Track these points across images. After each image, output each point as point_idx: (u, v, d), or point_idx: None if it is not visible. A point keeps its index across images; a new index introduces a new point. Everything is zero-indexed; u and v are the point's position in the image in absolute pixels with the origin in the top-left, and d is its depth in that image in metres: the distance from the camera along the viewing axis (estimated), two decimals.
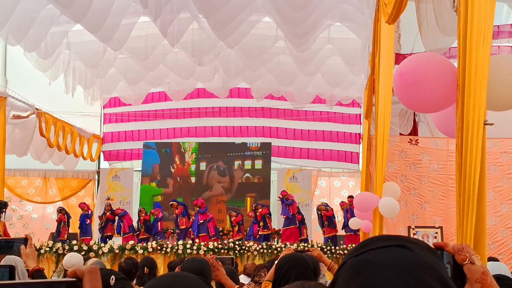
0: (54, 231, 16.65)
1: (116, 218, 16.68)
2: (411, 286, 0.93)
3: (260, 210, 15.93)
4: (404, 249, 0.99)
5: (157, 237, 15.86)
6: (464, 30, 2.95)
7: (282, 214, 15.95)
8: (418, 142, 11.35)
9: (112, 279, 2.84)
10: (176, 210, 16.48)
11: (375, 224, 7.76)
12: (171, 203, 17.04)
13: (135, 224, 16.68)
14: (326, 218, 15.68)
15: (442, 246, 1.34)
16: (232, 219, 16.57)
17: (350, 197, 15.65)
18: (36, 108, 15.18)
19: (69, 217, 16.74)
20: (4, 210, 9.20)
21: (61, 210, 16.92)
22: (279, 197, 16.22)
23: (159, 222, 16.43)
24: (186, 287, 1.36)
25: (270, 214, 16.15)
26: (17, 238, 3.33)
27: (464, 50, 2.94)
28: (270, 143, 19.36)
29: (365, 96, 11.95)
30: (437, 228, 10.44)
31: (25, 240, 3.20)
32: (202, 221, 15.93)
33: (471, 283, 1.31)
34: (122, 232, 16.36)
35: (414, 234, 10.27)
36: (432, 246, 1.32)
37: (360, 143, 18.53)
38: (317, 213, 16.16)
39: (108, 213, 16.58)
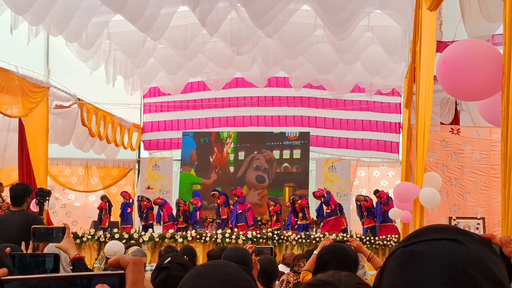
0: (96, 219, 16.95)
1: (156, 207, 16.88)
2: (456, 281, 0.91)
3: (299, 201, 15.91)
4: (456, 243, 0.96)
5: (196, 226, 15.99)
6: (510, 16, 2.86)
7: (319, 212, 15.96)
8: (459, 132, 11.14)
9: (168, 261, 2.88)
10: (218, 200, 16.56)
11: (416, 215, 7.66)
12: (212, 193, 17.12)
13: (174, 213, 16.85)
14: (365, 208, 15.58)
15: (489, 238, 1.31)
16: (270, 209, 16.59)
17: (376, 191, 15.56)
18: (78, 98, 15.42)
19: (110, 205, 17.01)
20: (47, 198, 9.36)
21: (103, 198, 17.24)
22: (316, 198, 16.14)
23: (198, 212, 16.56)
24: (227, 276, 1.35)
25: (308, 204, 16.12)
26: (56, 226, 3.39)
27: (510, 37, 2.86)
28: (309, 132, 19.29)
29: (405, 85, 11.78)
30: (479, 219, 10.26)
31: (63, 229, 3.24)
32: (240, 211, 16.00)
33: None
34: (162, 221, 16.56)
35: (455, 225, 10.12)
36: None
37: (400, 133, 18.31)
38: (356, 204, 16.06)
39: (144, 203, 16.81)
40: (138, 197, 17.39)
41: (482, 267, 0.93)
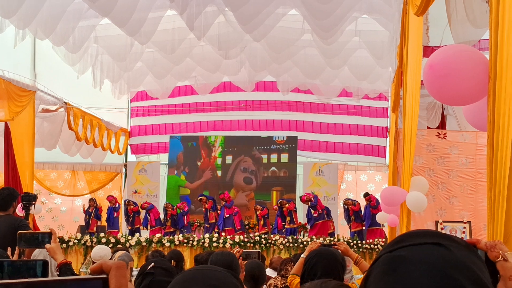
0: (83, 224, 16.83)
1: (143, 211, 16.80)
2: (442, 285, 0.91)
3: (286, 205, 15.91)
4: (440, 247, 0.97)
5: (183, 230, 15.94)
6: (496, 22, 2.89)
7: (308, 216, 15.95)
8: (446, 136, 11.20)
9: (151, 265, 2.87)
10: (206, 205, 16.52)
11: (403, 219, 7.69)
12: (200, 198, 17.09)
13: (162, 217, 16.78)
14: (353, 212, 15.61)
15: (474, 243, 1.32)
16: (257, 213, 16.58)
17: (366, 195, 15.60)
18: (64, 102, 15.34)
19: (97, 209, 16.88)
20: (33, 203, 9.29)
21: (91, 200, 17.12)
22: (303, 202, 16.14)
23: (185, 216, 16.51)
24: (215, 281, 1.35)
25: (296, 208, 16.12)
26: (42, 231, 3.36)
27: (496, 42, 2.88)
28: (296, 136, 19.32)
29: (392, 89, 11.84)
30: (465, 223, 10.32)
31: (50, 234, 3.22)
32: (228, 215, 15.97)
33: (504, 280, 1.28)
34: (149, 226, 16.49)
35: (442, 228, 10.18)
36: None
37: (387, 137, 18.39)
38: (344, 208, 16.09)
39: (131, 207, 16.72)
40: (125, 201, 17.31)
41: (467, 271, 0.94)
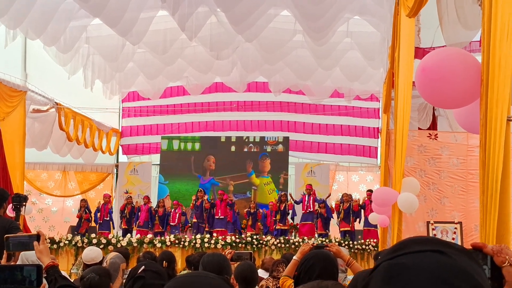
0: (74, 224, 16.73)
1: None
2: None
3: (287, 202, 15.89)
4: (441, 255, 0.96)
5: (175, 231, 15.89)
6: (488, 25, 2.90)
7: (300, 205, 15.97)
8: (437, 137, 11.23)
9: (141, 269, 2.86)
10: (204, 197, 16.42)
11: (394, 220, 7.71)
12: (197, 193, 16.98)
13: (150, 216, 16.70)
14: (343, 211, 15.54)
15: (481, 247, 1.31)
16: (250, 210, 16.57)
17: (369, 191, 15.53)
18: (55, 102, 15.28)
19: (89, 211, 16.79)
20: (24, 204, 9.27)
21: (82, 201, 17.01)
22: (305, 192, 16.16)
23: (177, 215, 16.48)
24: (207, 287, 1.34)
25: (289, 211, 16.12)
26: (30, 234, 3.32)
27: (488, 45, 2.89)
28: (288, 137, 19.33)
29: (383, 90, 11.87)
30: (456, 223, 10.34)
31: (38, 237, 3.19)
32: (223, 216, 15.92)
33: (509, 285, 1.27)
34: (137, 225, 16.42)
35: (433, 229, 10.20)
36: (470, 246, 1.29)
37: (378, 138, 18.43)
38: (340, 202, 15.92)
39: (130, 206, 16.64)
40: (127, 197, 17.13)
41: (468, 278, 0.94)
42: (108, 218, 16.76)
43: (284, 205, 15.85)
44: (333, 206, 16.14)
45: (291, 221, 16.53)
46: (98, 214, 16.55)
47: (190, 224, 17.00)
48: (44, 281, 2.72)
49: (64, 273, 5.01)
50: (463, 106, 3.47)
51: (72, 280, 5.74)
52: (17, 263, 4.20)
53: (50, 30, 12.41)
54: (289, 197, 16.22)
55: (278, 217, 15.76)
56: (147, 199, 16.99)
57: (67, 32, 13.17)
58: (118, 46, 14.20)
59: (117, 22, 11.54)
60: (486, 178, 2.84)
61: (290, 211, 16.18)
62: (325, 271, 3.32)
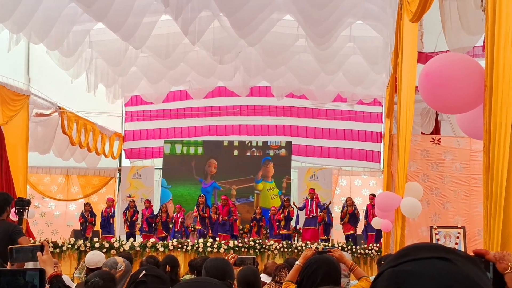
0: (77, 228, 16.73)
1: (140, 216, 16.76)
2: None
3: (290, 208, 15.89)
4: (446, 262, 0.96)
5: (177, 235, 15.90)
6: (492, 30, 2.90)
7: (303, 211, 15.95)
8: (440, 141, 11.22)
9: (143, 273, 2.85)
10: (202, 203, 16.44)
11: (397, 224, 7.70)
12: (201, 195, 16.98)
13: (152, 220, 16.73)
14: (348, 215, 15.55)
15: (483, 254, 1.31)
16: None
17: (372, 195, 15.52)
18: (58, 106, 15.30)
19: (93, 215, 16.79)
20: (27, 208, 9.27)
21: (86, 205, 17.03)
22: (308, 196, 16.15)
23: (180, 219, 16.49)
24: None
25: (292, 217, 16.13)
26: (34, 244, 3.34)
27: (492, 50, 2.89)
28: (291, 141, 19.32)
29: (386, 95, 11.86)
30: (459, 228, 10.32)
31: (41, 247, 3.20)
32: (224, 221, 15.92)
33: None
34: (142, 229, 16.47)
35: (436, 234, 10.18)
36: (472, 253, 1.29)
37: (381, 142, 18.41)
38: (343, 205, 15.94)
39: (132, 210, 16.66)
40: (130, 201, 17.17)
41: (472, 285, 0.93)
42: (111, 222, 16.81)
43: (287, 210, 15.83)
44: (339, 211, 16.14)
45: (293, 225, 16.54)
46: (111, 220, 16.65)
47: (192, 228, 16.99)
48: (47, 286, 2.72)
49: (67, 277, 5.02)
50: (467, 111, 3.47)
51: (74, 285, 5.75)
52: None
53: (53, 34, 12.43)
54: (292, 205, 16.21)
55: (282, 223, 15.74)
56: (148, 203, 17.02)
57: (70, 36, 13.19)
58: (121, 50, 14.23)
59: (120, 27, 11.55)
60: (490, 183, 2.84)
61: (294, 217, 16.18)
62: (329, 276, 3.32)
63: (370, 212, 14.94)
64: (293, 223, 16.55)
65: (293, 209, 16.10)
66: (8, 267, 3.23)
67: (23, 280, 2.49)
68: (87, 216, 16.54)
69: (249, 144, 19.46)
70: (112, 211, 17.00)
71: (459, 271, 0.95)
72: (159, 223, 16.36)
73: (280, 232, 15.61)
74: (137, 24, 11.89)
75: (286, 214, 15.77)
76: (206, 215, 16.12)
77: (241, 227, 17.39)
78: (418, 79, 3.84)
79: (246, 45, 13.39)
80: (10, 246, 3.24)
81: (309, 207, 15.87)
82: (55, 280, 3.09)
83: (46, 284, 2.79)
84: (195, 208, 16.53)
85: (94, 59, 15.71)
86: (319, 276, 3.34)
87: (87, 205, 17.00)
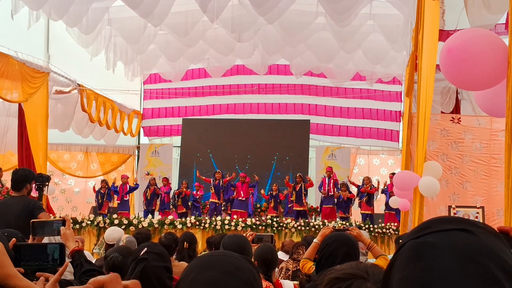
0: (95, 205, 16.90)
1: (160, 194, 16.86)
2: (471, 271, 0.89)
3: (303, 183, 15.85)
4: (467, 233, 0.95)
5: (195, 212, 15.99)
6: None
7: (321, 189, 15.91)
8: (460, 121, 11.12)
9: (144, 251, 2.87)
10: (222, 179, 16.49)
11: (415, 204, 7.67)
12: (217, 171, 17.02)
13: (172, 196, 16.82)
14: (367, 194, 15.49)
15: (508, 231, 1.29)
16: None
17: (393, 174, 15.42)
18: (78, 84, 15.37)
19: (110, 189, 16.87)
20: (47, 184, 9.35)
21: (102, 182, 17.15)
22: (326, 175, 16.13)
23: (199, 196, 16.59)
24: (231, 267, 1.34)
25: (307, 191, 16.05)
26: (55, 219, 3.36)
27: None
28: (309, 120, 19.26)
29: (406, 74, 11.76)
30: (478, 208, 10.27)
31: (63, 222, 3.22)
32: (244, 198, 15.96)
33: None
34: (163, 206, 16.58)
35: (454, 213, 10.13)
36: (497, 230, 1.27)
37: (400, 121, 18.30)
38: (361, 184, 15.86)
39: (153, 187, 16.76)
40: (151, 179, 17.28)
41: (496, 258, 0.92)
42: (127, 199, 16.92)
43: (299, 186, 15.79)
44: (356, 191, 16.07)
45: (310, 204, 16.52)
46: (114, 192, 16.72)
47: (207, 204, 17.02)
48: (67, 259, 2.75)
49: (88, 253, 5.08)
50: (488, 88, 3.42)
51: (94, 259, 5.82)
52: None
53: (73, 11, 12.46)
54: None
55: (293, 197, 15.72)
56: (166, 181, 17.11)
57: (89, 13, 13.21)
58: (140, 28, 14.22)
59: (139, 4, 11.54)
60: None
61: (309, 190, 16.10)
62: (348, 256, 3.31)
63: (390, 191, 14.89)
64: (310, 201, 16.52)
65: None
66: (30, 241, 3.27)
67: (44, 254, 2.52)
68: (104, 192, 16.64)
69: (266, 123, 19.43)
70: (128, 188, 17.06)
71: (481, 242, 0.93)
72: (179, 199, 16.45)
73: (294, 208, 15.58)
74: (156, 1, 11.87)
75: (297, 189, 15.75)
76: (225, 180, 16.17)
77: (258, 206, 17.43)
78: (439, 57, 3.80)
79: (265, 22, 13.30)
80: (32, 220, 3.27)
81: (326, 186, 15.84)
82: (77, 255, 3.13)
83: (67, 258, 2.82)
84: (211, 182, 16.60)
85: (113, 36, 15.73)
86: (340, 255, 3.33)
87: (103, 181, 17.12)
